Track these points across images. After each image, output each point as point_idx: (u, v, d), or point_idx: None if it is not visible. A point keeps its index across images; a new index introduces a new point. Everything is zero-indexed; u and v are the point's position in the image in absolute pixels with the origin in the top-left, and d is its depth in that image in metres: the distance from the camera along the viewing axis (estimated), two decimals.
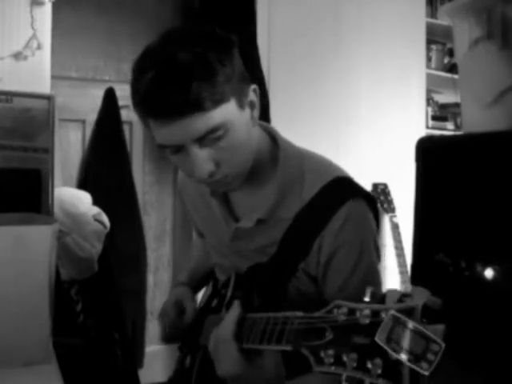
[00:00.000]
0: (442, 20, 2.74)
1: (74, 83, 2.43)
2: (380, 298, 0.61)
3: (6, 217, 0.99)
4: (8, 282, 0.86)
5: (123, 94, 2.23)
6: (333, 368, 0.61)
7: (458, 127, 3.21)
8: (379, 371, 0.56)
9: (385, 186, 2.79)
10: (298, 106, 2.60)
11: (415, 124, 2.93)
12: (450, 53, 3.11)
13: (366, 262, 0.95)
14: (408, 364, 0.53)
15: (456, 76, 2.47)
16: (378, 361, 0.56)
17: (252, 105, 0.92)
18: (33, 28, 1.84)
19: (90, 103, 2.40)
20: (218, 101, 0.82)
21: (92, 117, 2.36)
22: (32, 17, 1.84)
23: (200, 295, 1.29)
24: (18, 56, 1.83)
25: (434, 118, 3.17)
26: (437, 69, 3.09)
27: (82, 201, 1.69)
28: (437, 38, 3.09)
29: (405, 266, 2.63)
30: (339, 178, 0.97)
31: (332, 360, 0.61)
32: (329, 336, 0.63)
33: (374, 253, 0.97)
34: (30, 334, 0.89)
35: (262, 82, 2.40)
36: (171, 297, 1.25)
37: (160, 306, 1.25)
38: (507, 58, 0.93)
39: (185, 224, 2.61)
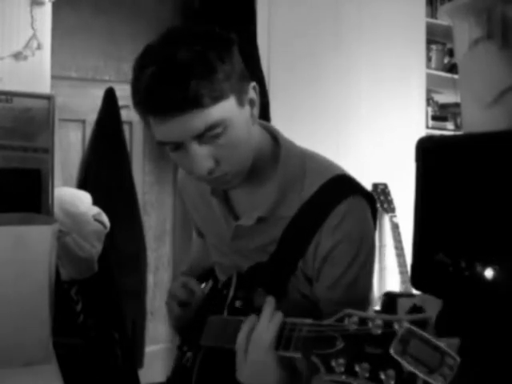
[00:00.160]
0: (442, 20, 2.74)
1: (74, 83, 2.43)
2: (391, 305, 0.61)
3: (6, 217, 0.99)
4: (8, 282, 0.86)
5: (123, 93, 2.23)
6: (343, 377, 0.61)
7: (457, 127, 3.21)
8: (392, 382, 0.56)
9: (385, 185, 2.79)
10: (297, 105, 2.59)
11: (415, 124, 2.93)
12: (450, 53, 3.11)
13: (363, 259, 0.95)
14: (423, 377, 0.53)
15: (456, 76, 2.46)
16: (391, 372, 0.56)
17: (252, 102, 0.92)
18: (33, 28, 1.84)
19: (89, 103, 2.40)
20: (217, 98, 0.82)
21: (92, 117, 2.36)
22: (32, 17, 1.84)
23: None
24: (17, 56, 1.83)
25: (434, 118, 3.17)
26: (437, 69, 3.09)
27: (82, 201, 1.69)
28: (437, 38, 3.09)
29: (405, 265, 2.63)
30: (339, 175, 0.97)
31: (343, 369, 0.61)
32: (339, 345, 0.63)
33: (371, 251, 0.97)
34: (30, 334, 0.89)
35: (262, 82, 2.40)
36: (177, 282, 1.21)
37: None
38: (507, 58, 0.93)
39: (185, 224, 2.60)
